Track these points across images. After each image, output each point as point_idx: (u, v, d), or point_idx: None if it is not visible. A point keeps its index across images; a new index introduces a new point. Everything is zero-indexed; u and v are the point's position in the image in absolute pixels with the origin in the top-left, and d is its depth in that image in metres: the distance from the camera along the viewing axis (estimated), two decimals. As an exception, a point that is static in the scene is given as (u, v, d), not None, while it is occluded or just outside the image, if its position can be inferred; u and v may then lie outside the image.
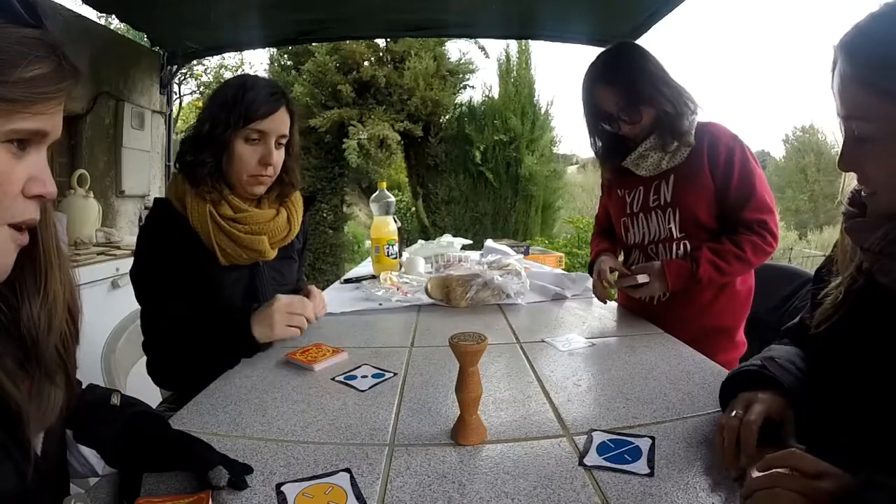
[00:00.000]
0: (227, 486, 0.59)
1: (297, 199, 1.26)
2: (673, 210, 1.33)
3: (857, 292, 0.64)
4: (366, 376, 0.95)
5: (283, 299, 1.06)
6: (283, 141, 1.15)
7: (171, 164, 3.57)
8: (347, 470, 0.63)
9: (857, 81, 0.56)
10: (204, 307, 1.09)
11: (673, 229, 1.33)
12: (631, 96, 1.27)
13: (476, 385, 0.69)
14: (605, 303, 1.43)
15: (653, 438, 0.68)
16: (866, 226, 0.62)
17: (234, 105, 1.07)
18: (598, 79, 1.32)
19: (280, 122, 1.12)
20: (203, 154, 1.09)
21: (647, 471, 0.61)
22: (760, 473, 0.52)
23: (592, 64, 1.34)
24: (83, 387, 0.71)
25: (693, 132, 1.29)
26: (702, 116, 1.32)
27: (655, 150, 1.31)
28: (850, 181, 0.67)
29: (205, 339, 1.03)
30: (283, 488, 0.60)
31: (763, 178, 1.29)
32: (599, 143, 1.42)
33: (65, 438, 0.64)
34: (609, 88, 1.29)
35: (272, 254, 1.18)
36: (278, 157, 1.14)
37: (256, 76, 1.18)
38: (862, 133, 0.58)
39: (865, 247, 0.61)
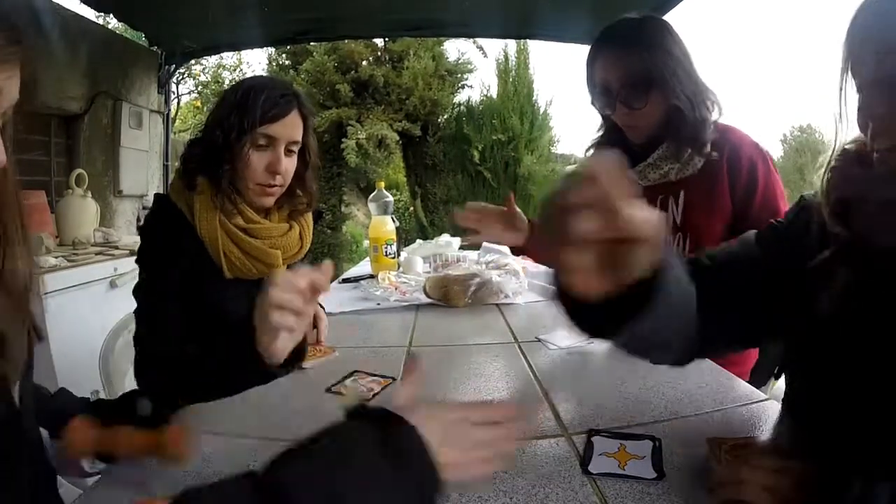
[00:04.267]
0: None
1: (308, 217, 1.18)
2: (683, 235, 1.11)
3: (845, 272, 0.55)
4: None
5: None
6: (295, 148, 1.06)
7: (169, 163, 3.57)
8: None
9: None
10: (204, 323, 0.98)
11: None
12: (638, 73, 1.02)
13: None
14: None
15: (656, 440, 0.68)
16: (870, 179, 0.53)
17: (243, 108, 1.00)
18: (606, 41, 1.09)
19: (291, 127, 1.03)
20: (222, 164, 1.00)
21: (654, 475, 0.60)
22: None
23: (608, 27, 1.11)
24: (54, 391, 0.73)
25: (710, 142, 1.06)
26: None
27: (667, 160, 1.08)
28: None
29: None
30: None
31: (784, 195, 1.10)
32: (600, 126, 1.21)
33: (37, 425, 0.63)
34: (615, 55, 1.06)
35: (283, 269, 1.07)
36: (288, 164, 1.05)
37: (270, 77, 1.09)
38: None
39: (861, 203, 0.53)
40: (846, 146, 0.59)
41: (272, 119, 1.00)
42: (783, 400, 0.71)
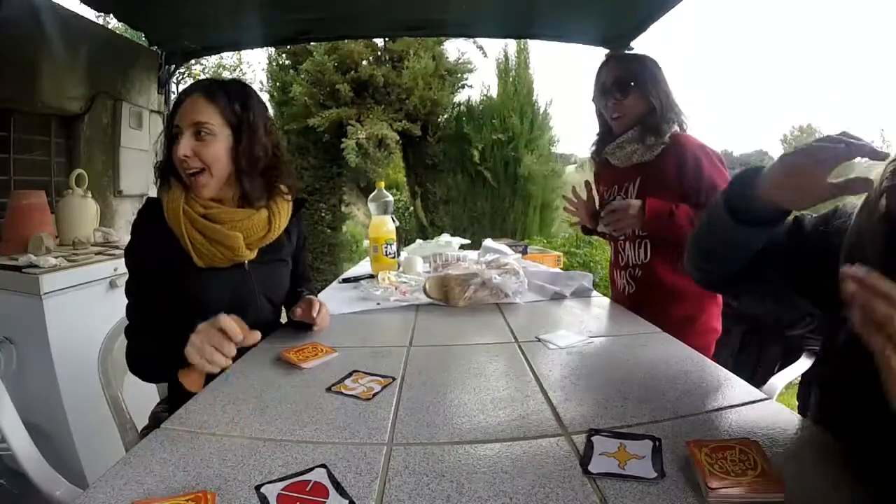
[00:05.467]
0: None
1: (282, 202, 1.21)
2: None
3: None
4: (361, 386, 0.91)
5: (202, 328, 0.95)
6: (203, 130, 1.09)
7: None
8: (324, 465, 0.64)
9: None
10: (184, 315, 1.02)
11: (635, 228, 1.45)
12: (627, 74, 1.43)
13: None
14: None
15: (656, 440, 0.68)
16: None
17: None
18: (609, 60, 1.51)
19: (190, 110, 1.09)
20: (164, 159, 1.15)
21: (655, 474, 0.60)
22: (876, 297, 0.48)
23: (610, 54, 1.60)
24: None
25: (667, 136, 1.42)
26: (693, 126, 1.47)
27: (633, 142, 1.44)
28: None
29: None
30: (262, 490, 0.60)
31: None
32: (599, 130, 1.59)
33: None
34: (614, 64, 1.48)
35: (249, 253, 1.14)
36: (197, 147, 1.09)
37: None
38: None
39: None
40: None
41: (175, 108, 1.11)
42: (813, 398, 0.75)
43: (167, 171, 1.14)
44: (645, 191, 1.44)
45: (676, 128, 1.45)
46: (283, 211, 1.20)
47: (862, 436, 0.59)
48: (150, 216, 1.12)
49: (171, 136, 1.11)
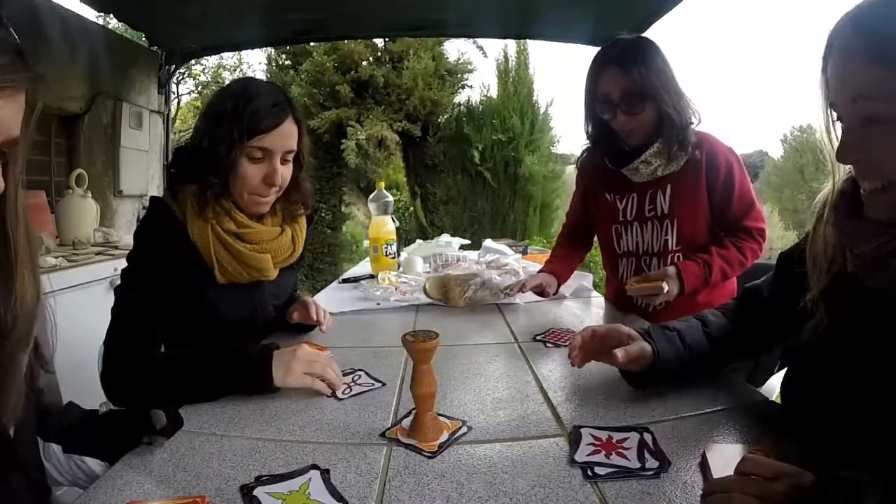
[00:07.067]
0: (159, 433, 0.69)
1: (301, 220, 1.18)
2: (671, 222, 1.33)
3: (839, 296, 0.62)
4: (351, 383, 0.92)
5: (307, 350, 0.91)
6: (290, 157, 1.05)
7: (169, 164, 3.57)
8: (315, 466, 0.64)
9: (868, 57, 0.52)
10: (197, 326, 1.00)
11: (669, 241, 1.33)
12: (636, 86, 1.22)
13: (428, 383, 0.70)
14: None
15: (649, 433, 0.69)
16: (862, 230, 0.58)
17: (234, 119, 0.96)
18: (607, 60, 1.27)
19: (286, 137, 1.01)
20: (207, 175, 0.99)
21: (653, 471, 0.60)
22: (719, 477, 0.55)
23: (606, 46, 1.30)
24: (62, 403, 0.77)
25: (692, 143, 1.28)
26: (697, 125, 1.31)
27: (658, 156, 1.28)
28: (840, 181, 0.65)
29: (206, 376, 0.88)
30: (254, 493, 0.59)
31: (752, 189, 1.36)
32: (591, 130, 1.39)
33: (37, 443, 0.67)
34: (616, 72, 1.24)
35: (274, 273, 1.09)
36: (285, 172, 1.04)
37: (258, 82, 1.06)
38: (873, 114, 0.52)
39: (857, 251, 0.58)
40: (843, 184, 0.63)
41: (266, 130, 0.98)
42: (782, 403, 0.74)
43: (212, 189, 1.00)
44: (677, 202, 1.31)
45: (696, 124, 1.29)
46: (303, 228, 1.17)
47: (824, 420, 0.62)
48: (160, 222, 1.02)
49: (231, 146, 0.97)
